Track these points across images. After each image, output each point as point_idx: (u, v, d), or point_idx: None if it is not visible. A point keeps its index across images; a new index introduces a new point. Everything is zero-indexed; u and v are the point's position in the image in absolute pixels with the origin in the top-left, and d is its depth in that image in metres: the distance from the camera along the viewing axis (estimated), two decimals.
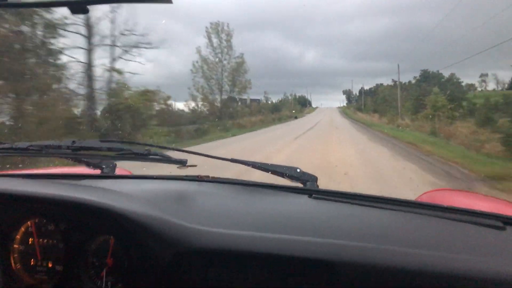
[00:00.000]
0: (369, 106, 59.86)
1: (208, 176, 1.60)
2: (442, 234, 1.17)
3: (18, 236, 1.16)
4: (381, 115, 42.51)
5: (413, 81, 52.06)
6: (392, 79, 56.18)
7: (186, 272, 1.03)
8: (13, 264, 1.15)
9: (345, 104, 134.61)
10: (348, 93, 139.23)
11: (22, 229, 1.16)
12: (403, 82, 52.09)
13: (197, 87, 33.60)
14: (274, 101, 72.10)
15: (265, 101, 57.89)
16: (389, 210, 1.29)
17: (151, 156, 1.46)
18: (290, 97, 74.72)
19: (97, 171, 1.74)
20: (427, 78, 49.60)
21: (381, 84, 71.04)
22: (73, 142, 1.44)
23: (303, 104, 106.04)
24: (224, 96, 35.51)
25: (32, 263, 1.15)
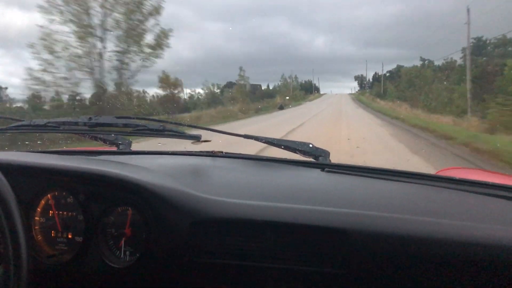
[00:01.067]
0: (392, 92, 44.03)
1: (222, 152, 1.63)
2: (454, 204, 1.19)
3: (39, 209, 1.20)
4: (412, 104, 29.72)
5: (459, 59, 33.01)
6: (421, 57, 41.70)
7: (202, 241, 1.06)
8: (34, 236, 1.19)
9: (357, 91, 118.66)
10: (360, 79, 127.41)
11: (43, 202, 1.20)
12: (434, 62, 39.15)
13: (48, 43, 14.56)
14: (270, 87, 60.16)
15: (243, 83, 41.51)
16: (401, 182, 1.31)
17: (166, 132, 1.48)
18: (289, 81, 60.29)
19: (114, 148, 1.78)
20: (481, 49, 32.16)
21: (402, 66, 54.57)
22: (90, 118, 1.47)
23: (309, 90, 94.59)
24: (114, 59, 16.16)
25: (52, 234, 1.19)
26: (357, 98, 66.90)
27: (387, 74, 66.32)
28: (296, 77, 65.91)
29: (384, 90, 54.04)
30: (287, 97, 48.97)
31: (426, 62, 40.95)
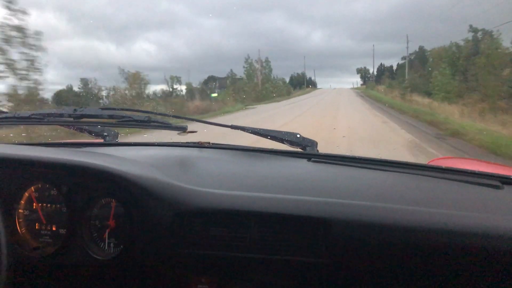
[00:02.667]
0: (443, 81, 23.50)
1: (208, 143, 1.62)
2: (441, 193, 1.19)
3: (22, 202, 1.18)
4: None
5: None
6: (471, 26, 25.35)
7: (187, 232, 1.05)
8: (18, 229, 1.18)
9: (359, 85, 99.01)
10: (363, 72, 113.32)
11: (26, 194, 1.18)
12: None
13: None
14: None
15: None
16: (387, 171, 1.31)
17: (152, 123, 1.47)
18: (257, 67, 39.54)
19: (100, 140, 1.76)
20: None
21: (425, 49, 38.30)
22: (75, 110, 1.45)
23: (297, 85, 78.19)
24: None
25: (36, 227, 1.18)
26: (365, 93, 43.92)
27: (402, 63, 45.38)
28: (268, 61, 42.57)
29: (411, 80, 32.45)
30: (214, 94, 34.22)
31: (480, 34, 25.42)
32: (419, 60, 37.65)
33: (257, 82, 38.37)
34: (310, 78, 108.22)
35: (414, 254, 0.96)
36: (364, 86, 75.81)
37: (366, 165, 1.35)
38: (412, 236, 0.96)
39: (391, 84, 41.14)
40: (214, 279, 1.08)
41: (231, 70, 41.55)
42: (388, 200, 1.06)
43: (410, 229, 0.96)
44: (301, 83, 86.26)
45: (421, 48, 41.92)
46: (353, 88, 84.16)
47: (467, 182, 1.24)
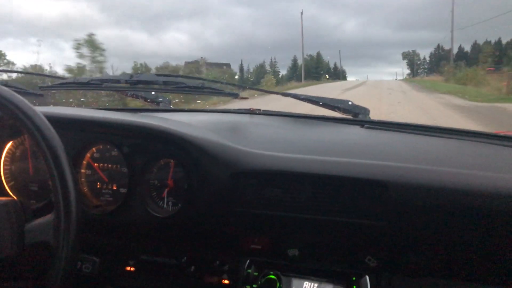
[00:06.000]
0: None
1: (259, 110, 1.63)
2: (497, 158, 1.16)
3: (84, 162, 1.24)
4: None
5: None
6: None
7: (241, 192, 1.08)
8: (81, 187, 1.24)
9: (406, 76, 78.69)
10: (411, 56, 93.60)
11: (88, 155, 1.24)
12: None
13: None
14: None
15: None
16: (441, 137, 1.29)
17: (205, 89, 1.49)
18: None
19: (155, 106, 1.82)
20: None
21: None
22: (131, 76, 1.50)
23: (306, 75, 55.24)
24: None
25: (98, 186, 1.24)
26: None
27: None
28: None
29: None
30: None
31: None
32: None
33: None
34: (333, 66, 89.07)
35: (474, 218, 0.95)
36: (442, 78, 39.56)
37: (422, 131, 1.33)
38: (473, 200, 0.94)
39: None
40: (267, 239, 1.11)
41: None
42: (448, 164, 1.04)
43: (471, 193, 0.95)
44: (317, 72, 62.72)
45: None
46: (407, 80, 55.23)
47: None
